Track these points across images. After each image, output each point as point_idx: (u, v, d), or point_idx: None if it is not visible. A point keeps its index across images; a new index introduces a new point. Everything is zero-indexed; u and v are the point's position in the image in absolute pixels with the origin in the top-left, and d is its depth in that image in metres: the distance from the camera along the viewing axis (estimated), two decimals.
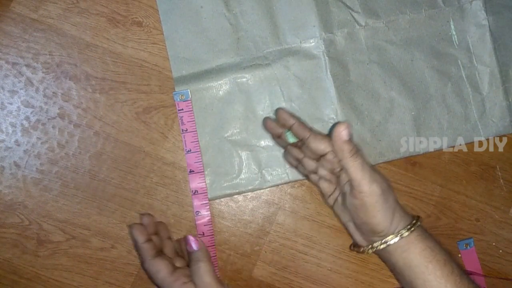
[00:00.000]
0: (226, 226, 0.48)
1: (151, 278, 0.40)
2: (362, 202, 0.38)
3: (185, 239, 0.43)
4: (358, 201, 0.38)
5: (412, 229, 0.39)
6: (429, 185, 0.50)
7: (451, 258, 0.39)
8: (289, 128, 0.43)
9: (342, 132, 0.37)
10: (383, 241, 0.39)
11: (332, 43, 0.48)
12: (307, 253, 0.49)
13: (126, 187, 0.48)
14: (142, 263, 0.41)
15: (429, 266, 0.38)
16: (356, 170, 0.38)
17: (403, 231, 0.39)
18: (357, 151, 0.38)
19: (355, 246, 0.43)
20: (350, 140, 0.38)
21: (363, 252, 0.41)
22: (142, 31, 0.48)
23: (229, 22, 0.48)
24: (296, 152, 0.44)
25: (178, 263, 0.43)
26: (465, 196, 0.50)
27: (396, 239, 0.39)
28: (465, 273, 0.39)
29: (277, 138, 0.46)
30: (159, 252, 0.42)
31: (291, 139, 0.43)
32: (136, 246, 0.42)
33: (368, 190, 0.37)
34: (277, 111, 0.45)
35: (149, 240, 0.42)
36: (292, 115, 0.43)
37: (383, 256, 0.42)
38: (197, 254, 0.41)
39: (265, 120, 0.46)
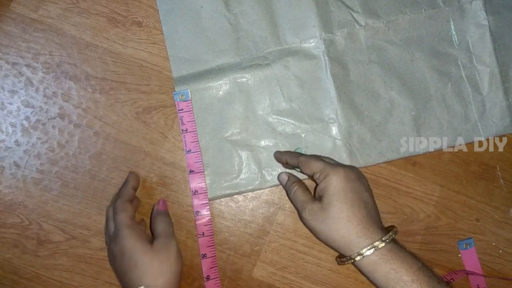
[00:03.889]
0: (226, 226, 0.48)
1: (115, 215, 0.43)
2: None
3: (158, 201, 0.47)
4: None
5: (370, 252, 0.38)
6: (429, 185, 0.50)
7: (423, 273, 0.38)
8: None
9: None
10: (343, 259, 0.40)
11: (332, 43, 0.48)
12: (307, 253, 0.49)
13: None
14: (116, 201, 0.44)
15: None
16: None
17: (355, 255, 0.38)
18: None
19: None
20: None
21: (342, 263, 0.41)
22: (142, 31, 0.48)
23: (229, 22, 0.48)
24: None
25: None
26: (465, 196, 0.50)
27: (351, 261, 0.39)
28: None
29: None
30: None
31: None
32: (123, 188, 0.45)
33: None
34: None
35: (135, 189, 0.46)
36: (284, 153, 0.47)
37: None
38: (162, 213, 0.46)
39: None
